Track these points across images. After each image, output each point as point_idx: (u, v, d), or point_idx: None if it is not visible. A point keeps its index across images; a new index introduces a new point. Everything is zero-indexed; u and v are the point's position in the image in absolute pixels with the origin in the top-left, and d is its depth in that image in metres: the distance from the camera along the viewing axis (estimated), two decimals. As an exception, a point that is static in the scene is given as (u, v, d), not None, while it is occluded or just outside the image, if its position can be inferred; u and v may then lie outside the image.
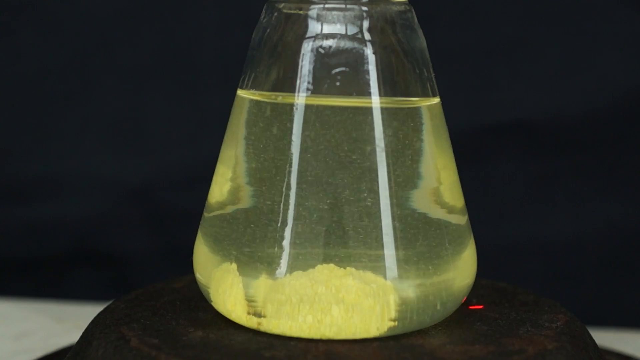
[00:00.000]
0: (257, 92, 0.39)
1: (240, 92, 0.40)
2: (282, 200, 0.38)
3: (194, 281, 0.45)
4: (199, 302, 0.42)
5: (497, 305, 0.43)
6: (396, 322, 0.38)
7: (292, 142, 0.38)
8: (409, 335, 0.39)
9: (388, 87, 0.38)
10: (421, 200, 0.38)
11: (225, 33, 0.61)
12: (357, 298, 0.37)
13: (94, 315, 0.43)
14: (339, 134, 0.38)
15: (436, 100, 0.40)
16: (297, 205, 0.37)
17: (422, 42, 0.40)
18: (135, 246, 0.63)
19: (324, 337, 0.38)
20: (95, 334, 0.39)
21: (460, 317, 0.41)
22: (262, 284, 0.38)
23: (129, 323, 0.40)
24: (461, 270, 0.39)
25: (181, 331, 0.39)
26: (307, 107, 0.38)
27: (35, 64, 0.62)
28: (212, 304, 0.40)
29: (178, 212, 0.63)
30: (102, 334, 0.39)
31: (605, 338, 0.55)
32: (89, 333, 0.40)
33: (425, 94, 0.39)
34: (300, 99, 0.38)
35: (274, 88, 0.39)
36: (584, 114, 0.59)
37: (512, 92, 0.60)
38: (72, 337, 0.52)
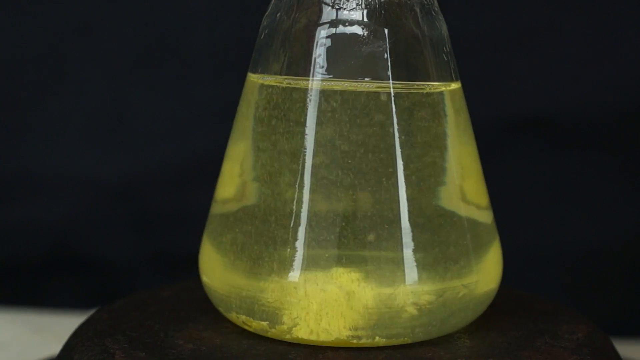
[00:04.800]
0: (268, 78, 0.40)
1: (251, 76, 0.41)
2: (295, 198, 0.38)
3: (183, 289, 0.45)
4: (189, 312, 0.42)
5: (512, 314, 0.43)
6: (415, 329, 0.38)
7: (306, 129, 0.38)
8: (417, 347, 0.39)
9: (407, 73, 0.39)
10: (443, 196, 0.39)
11: (215, 19, 0.61)
12: (372, 303, 0.38)
13: (74, 325, 0.43)
14: (355, 120, 0.38)
15: (457, 85, 0.41)
16: (310, 203, 0.38)
17: (443, 26, 0.41)
18: (119, 251, 0.63)
19: (336, 344, 0.38)
20: (76, 347, 0.39)
21: (473, 327, 0.41)
22: (273, 287, 0.38)
23: (113, 335, 0.40)
24: (485, 273, 0.40)
25: (170, 344, 0.39)
26: (322, 94, 0.38)
27: (8, 51, 0.62)
28: (219, 308, 0.40)
29: (166, 213, 0.63)
30: (84, 347, 0.39)
31: (630, 350, 0.55)
32: (70, 346, 0.40)
33: (445, 79, 0.40)
34: (315, 85, 0.38)
35: (287, 74, 0.39)
36: (610, 107, 0.59)
37: (531, 83, 0.60)
38: (50, 349, 0.52)
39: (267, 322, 0.39)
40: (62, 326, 0.54)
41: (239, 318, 0.39)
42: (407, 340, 0.39)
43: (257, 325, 0.39)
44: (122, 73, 0.62)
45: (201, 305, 0.43)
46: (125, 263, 0.63)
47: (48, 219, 0.63)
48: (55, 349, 0.44)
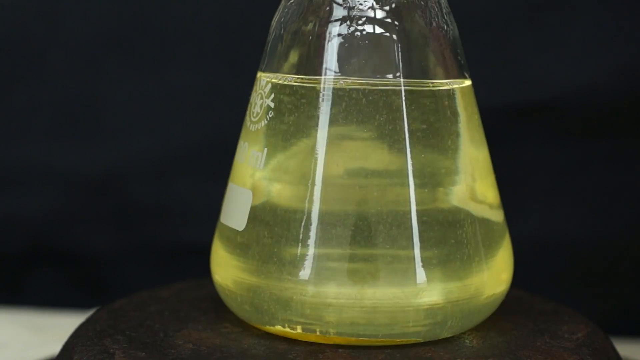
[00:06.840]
0: (279, 77, 0.40)
1: (261, 75, 0.41)
2: (306, 197, 0.38)
3: (183, 289, 0.45)
4: (188, 312, 0.43)
5: (512, 314, 0.43)
6: (422, 329, 0.39)
7: (317, 128, 0.39)
8: (417, 347, 0.39)
9: (418, 71, 0.39)
10: (454, 195, 0.39)
11: (194, 6, 0.59)
12: (381, 302, 0.38)
13: (74, 325, 0.43)
14: (367, 119, 0.39)
15: (468, 82, 0.41)
16: (322, 202, 0.38)
17: (453, 24, 0.41)
18: (101, 244, 0.62)
19: (344, 342, 0.38)
20: (76, 347, 0.40)
21: (473, 327, 0.41)
22: (279, 285, 0.38)
23: (113, 335, 0.40)
24: (495, 274, 0.40)
25: (170, 344, 0.39)
26: (333, 92, 0.39)
27: None
28: (230, 307, 0.41)
29: (148, 204, 0.62)
30: (84, 347, 0.39)
31: (630, 350, 0.55)
32: (70, 346, 0.40)
33: (456, 77, 0.40)
34: (326, 84, 0.39)
35: (298, 73, 0.40)
36: (620, 94, 0.57)
37: (537, 68, 0.58)
38: (50, 349, 0.52)
39: (273, 321, 0.39)
40: (62, 326, 0.55)
41: (246, 315, 0.40)
42: (413, 340, 0.39)
43: (263, 323, 0.39)
44: (97, 58, 0.60)
45: (201, 305, 0.43)
46: (108, 256, 0.62)
47: (27, 213, 0.62)
48: (55, 349, 0.44)
